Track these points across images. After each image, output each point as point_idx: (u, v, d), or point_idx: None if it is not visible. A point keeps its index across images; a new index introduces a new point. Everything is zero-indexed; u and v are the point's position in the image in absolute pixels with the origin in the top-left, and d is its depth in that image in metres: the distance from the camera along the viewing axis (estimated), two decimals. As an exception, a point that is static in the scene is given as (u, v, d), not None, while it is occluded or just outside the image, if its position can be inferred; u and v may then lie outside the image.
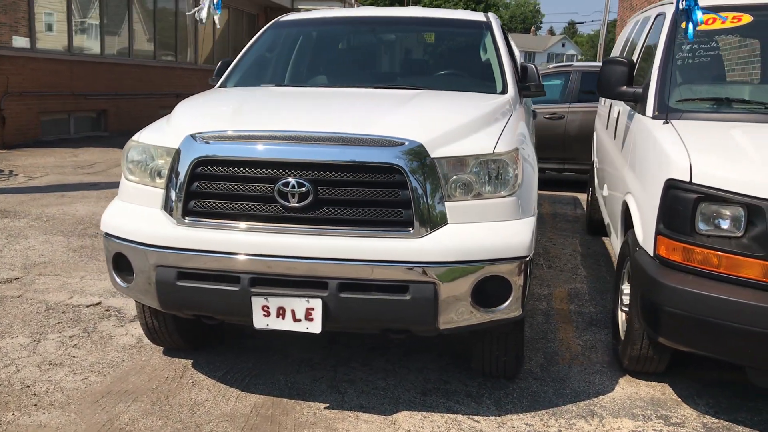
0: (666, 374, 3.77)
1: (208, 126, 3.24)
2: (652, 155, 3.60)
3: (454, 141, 3.12)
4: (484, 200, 3.07)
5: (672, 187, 3.19)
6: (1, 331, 4.15)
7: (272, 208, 3.05)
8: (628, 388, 3.67)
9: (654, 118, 3.84)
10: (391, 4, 54.37)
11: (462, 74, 4.62)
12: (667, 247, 3.21)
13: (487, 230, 3.04)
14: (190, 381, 3.61)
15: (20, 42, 12.36)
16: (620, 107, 4.94)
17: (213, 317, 3.29)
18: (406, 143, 3.01)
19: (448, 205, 3.02)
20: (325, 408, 3.36)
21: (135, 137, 3.44)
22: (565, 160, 9.79)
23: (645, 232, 3.43)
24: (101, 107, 14.97)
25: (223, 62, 4.75)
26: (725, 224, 3.06)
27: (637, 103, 4.16)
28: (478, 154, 3.08)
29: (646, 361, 3.64)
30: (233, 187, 3.08)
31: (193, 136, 3.16)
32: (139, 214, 3.28)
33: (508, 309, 3.08)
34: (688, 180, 3.13)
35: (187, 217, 3.14)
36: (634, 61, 4.59)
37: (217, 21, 5.01)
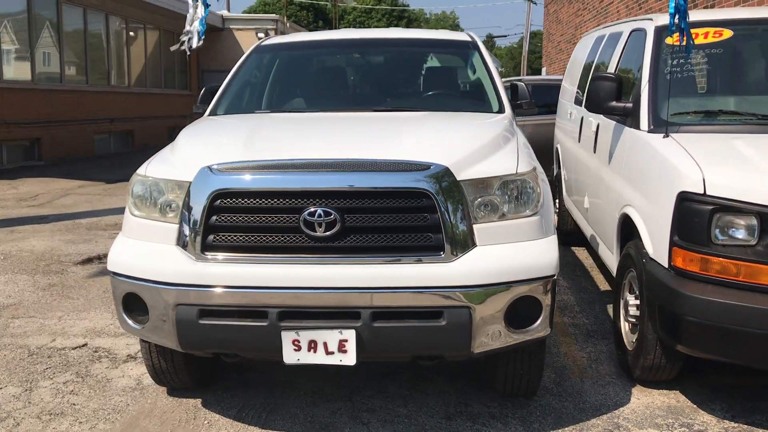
0: (675, 381, 3.84)
1: (222, 157, 3.13)
2: (655, 168, 3.69)
3: (477, 163, 3.11)
4: (509, 221, 3.07)
5: (685, 199, 3.27)
6: (-15, 381, 3.88)
7: (298, 238, 2.96)
8: (643, 398, 3.72)
9: (651, 132, 3.94)
10: (316, 22, 54.42)
11: (456, 94, 4.64)
12: (684, 258, 3.29)
13: (516, 250, 3.04)
14: (206, 422, 3.45)
15: (-54, 71, 11.79)
16: (599, 120, 5.04)
17: (236, 354, 3.16)
18: (432, 167, 2.98)
19: (476, 228, 3.01)
20: (353, 440, 3.28)
21: (140, 171, 3.30)
22: None
23: (656, 244, 3.50)
24: (35, 135, 14.41)
25: (207, 89, 4.61)
26: (740, 233, 3.16)
27: (627, 117, 4.27)
28: (501, 174, 3.08)
29: (659, 370, 3.71)
30: (256, 219, 2.98)
31: (209, 168, 3.04)
32: (150, 250, 3.14)
33: (539, 328, 3.08)
34: (702, 192, 3.22)
35: (206, 252, 3.02)
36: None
37: (194, 45, 4.88)
